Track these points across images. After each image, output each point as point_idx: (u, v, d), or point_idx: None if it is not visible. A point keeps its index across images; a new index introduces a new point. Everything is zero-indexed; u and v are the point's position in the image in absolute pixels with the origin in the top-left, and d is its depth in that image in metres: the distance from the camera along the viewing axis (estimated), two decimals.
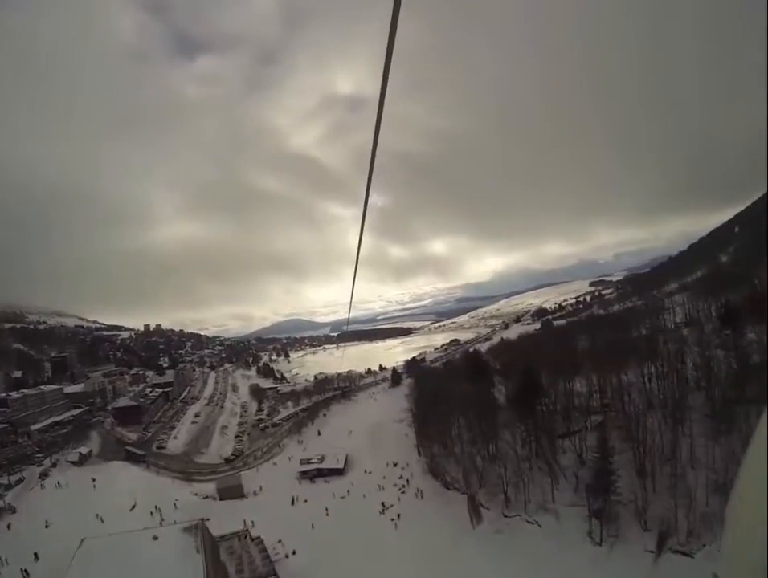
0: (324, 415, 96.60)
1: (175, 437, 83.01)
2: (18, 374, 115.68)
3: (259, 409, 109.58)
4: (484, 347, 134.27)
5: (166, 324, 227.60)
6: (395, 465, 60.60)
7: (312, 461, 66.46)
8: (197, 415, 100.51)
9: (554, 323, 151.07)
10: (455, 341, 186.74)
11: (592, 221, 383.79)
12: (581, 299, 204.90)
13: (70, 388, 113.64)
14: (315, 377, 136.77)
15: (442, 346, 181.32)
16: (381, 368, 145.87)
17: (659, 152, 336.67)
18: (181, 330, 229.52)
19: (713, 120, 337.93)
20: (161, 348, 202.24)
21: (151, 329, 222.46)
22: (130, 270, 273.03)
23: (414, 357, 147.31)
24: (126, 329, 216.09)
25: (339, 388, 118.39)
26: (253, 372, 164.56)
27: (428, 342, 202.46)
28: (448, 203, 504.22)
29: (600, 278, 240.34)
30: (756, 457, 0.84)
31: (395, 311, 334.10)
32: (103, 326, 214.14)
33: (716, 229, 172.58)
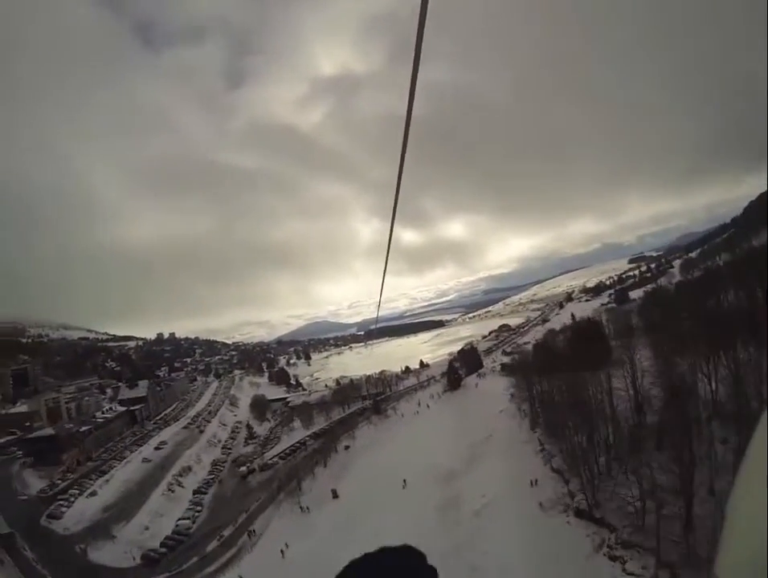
0: (347, 448, 60.85)
1: (93, 493, 48.61)
2: None
3: (250, 436, 75.47)
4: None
5: (183, 333, 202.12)
6: None
7: None
8: (159, 446, 67.15)
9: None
10: (506, 326, 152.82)
11: (621, 192, 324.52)
12: (642, 269, 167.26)
13: (9, 408, 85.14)
14: (337, 382, 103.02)
15: (490, 333, 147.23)
16: (423, 365, 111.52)
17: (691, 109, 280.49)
18: (196, 337, 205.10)
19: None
20: (165, 357, 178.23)
21: (164, 338, 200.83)
22: (119, 276, 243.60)
23: (467, 347, 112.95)
24: (137, 339, 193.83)
25: (369, 397, 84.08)
26: (265, 378, 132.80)
27: (467, 332, 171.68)
28: (464, 175, 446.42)
29: (640, 255, 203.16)
30: (756, 457, 0.82)
31: (421, 307, 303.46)
32: (111, 337, 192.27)
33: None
